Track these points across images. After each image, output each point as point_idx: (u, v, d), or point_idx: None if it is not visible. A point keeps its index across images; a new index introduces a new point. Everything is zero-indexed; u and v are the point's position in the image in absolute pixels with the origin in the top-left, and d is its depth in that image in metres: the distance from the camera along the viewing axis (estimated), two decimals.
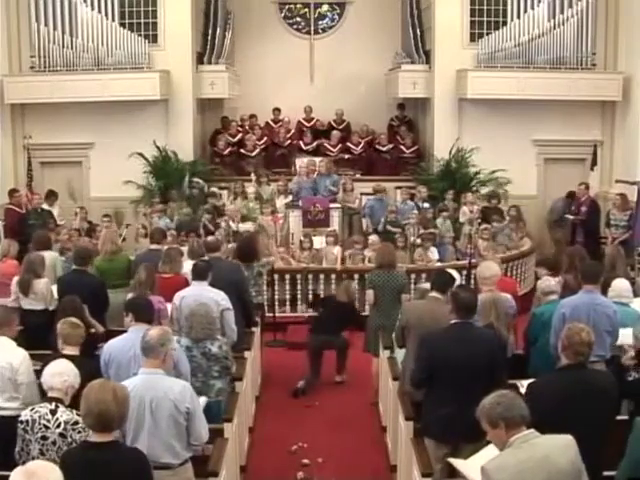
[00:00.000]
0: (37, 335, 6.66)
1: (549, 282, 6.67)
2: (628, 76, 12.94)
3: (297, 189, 12.87)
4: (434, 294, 6.07)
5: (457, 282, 6.81)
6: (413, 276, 10.26)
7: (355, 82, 15.57)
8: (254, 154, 14.26)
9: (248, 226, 11.60)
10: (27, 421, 4.37)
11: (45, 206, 11.94)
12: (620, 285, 6.55)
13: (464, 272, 9.69)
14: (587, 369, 4.61)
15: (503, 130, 13.33)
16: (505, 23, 13.25)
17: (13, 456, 4.40)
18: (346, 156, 14.49)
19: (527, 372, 5.94)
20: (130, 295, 6.79)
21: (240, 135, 14.63)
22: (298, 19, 16.32)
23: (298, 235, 11.94)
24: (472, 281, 9.04)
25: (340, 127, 15.07)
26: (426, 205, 12.37)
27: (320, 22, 16.31)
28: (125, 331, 5.60)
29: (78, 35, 13.02)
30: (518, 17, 13.19)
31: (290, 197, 12.75)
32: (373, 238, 10.98)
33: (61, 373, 4.50)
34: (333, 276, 10.72)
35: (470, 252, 10.36)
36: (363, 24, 15.75)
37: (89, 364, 5.13)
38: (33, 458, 4.24)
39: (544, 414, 3.96)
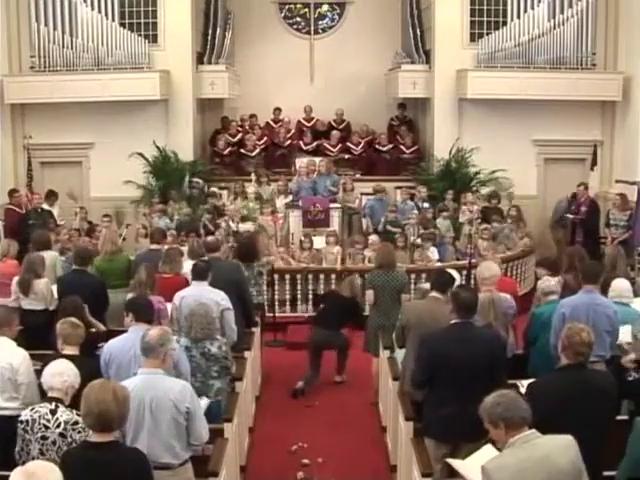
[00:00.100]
0: (37, 335, 6.66)
1: (549, 282, 6.67)
2: (628, 76, 12.94)
3: (297, 189, 12.87)
4: (434, 294, 6.07)
5: (457, 282, 6.82)
6: (413, 276, 10.25)
7: (355, 82, 15.57)
8: (254, 154, 14.26)
9: (248, 226, 11.61)
10: (27, 421, 4.37)
11: (45, 206, 11.94)
12: (620, 285, 6.54)
13: (464, 272, 9.69)
14: (587, 369, 4.61)
15: (503, 130, 13.33)
16: (505, 23, 13.25)
17: (13, 456, 4.40)
18: (346, 156, 14.49)
19: (527, 372, 5.94)
20: (130, 295, 6.79)
21: (240, 135, 14.63)
22: (298, 19, 16.32)
23: (298, 235, 11.94)
24: (472, 281, 9.04)
25: (340, 127, 15.06)
26: (426, 205, 12.37)
27: (320, 22, 16.31)
28: (125, 331, 5.60)
29: (78, 35, 13.02)
30: (518, 17, 13.18)
31: (290, 197, 12.75)
32: (373, 238, 10.98)
33: (61, 373, 4.50)
34: (333, 276, 10.73)
35: (470, 252, 10.36)
36: (363, 24, 15.75)
37: (89, 364, 5.12)
38: (33, 458, 4.24)
39: (544, 414, 3.96)
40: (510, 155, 13.20)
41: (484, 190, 13.01)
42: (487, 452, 4.23)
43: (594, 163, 13.42)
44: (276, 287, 10.47)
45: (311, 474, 6.54)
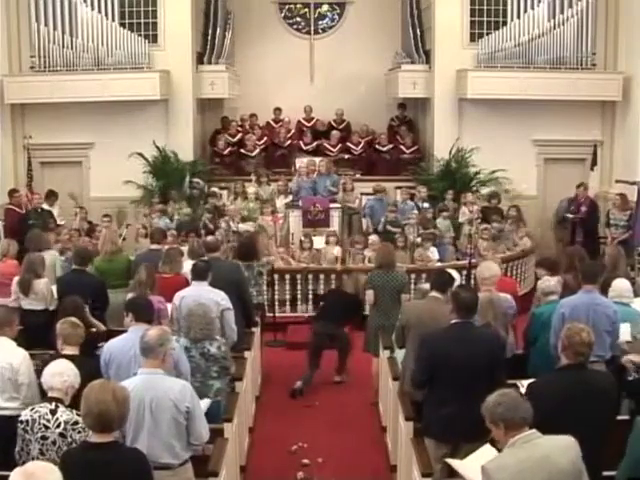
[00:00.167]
0: (37, 335, 6.66)
1: (549, 282, 6.67)
2: (628, 76, 12.94)
3: (297, 189, 12.86)
4: (434, 294, 6.07)
5: (457, 282, 6.82)
6: (413, 276, 10.26)
7: (355, 82, 15.56)
8: (254, 154, 14.26)
9: (248, 226, 11.61)
10: (27, 421, 4.37)
11: (45, 206, 11.94)
12: (621, 285, 6.54)
13: (464, 272, 9.69)
14: (587, 369, 4.61)
15: (503, 130, 13.33)
16: (505, 23, 13.25)
17: (13, 456, 4.40)
18: (346, 156, 14.49)
19: (527, 372, 5.94)
20: (130, 295, 6.79)
21: (240, 135, 14.63)
22: (298, 19, 16.32)
23: (298, 235, 11.94)
24: (472, 281, 9.04)
25: (340, 127, 15.06)
26: (426, 205, 12.36)
27: (320, 22, 16.31)
28: (125, 331, 5.60)
29: (78, 35, 13.02)
30: (518, 17, 13.18)
31: (290, 197, 12.75)
32: (373, 238, 10.98)
33: (61, 373, 4.50)
34: (333, 276, 10.73)
35: (470, 252, 10.36)
36: (363, 24, 15.74)
37: (89, 364, 5.12)
38: (33, 458, 4.25)
39: (544, 414, 3.96)
40: (510, 155, 13.20)
41: (484, 190, 13.01)
42: (486, 452, 4.23)
43: (594, 163, 13.42)
44: (276, 287, 10.47)
45: (311, 474, 6.54)
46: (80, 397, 3.90)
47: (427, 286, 6.71)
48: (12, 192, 12.05)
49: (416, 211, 12.16)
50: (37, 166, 13.35)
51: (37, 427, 4.33)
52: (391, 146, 14.58)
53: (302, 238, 11.50)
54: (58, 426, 4.31)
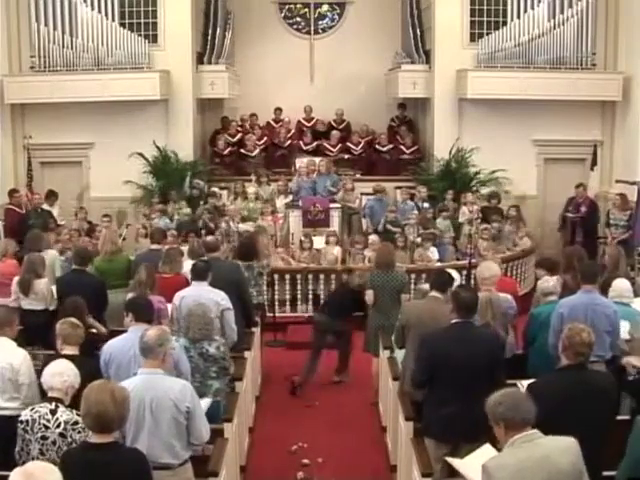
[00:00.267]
0: (37, 335, 6.66)
1: (548, 283, 6.67)
2: (628, 76, 12.94)
3: (297, 189, 12.86)
4: (434, 294, 6.07)
5: (457, 282, 6.82)
6: (413, 276, 10.24)
7: (355, 82, 15.56)
8: (254, 154, 14.26)
9: (248, 226, 11.61)
10: (27, 421, 4.37)
11: (45, 206, 11.95)
12: (621, 285, 6.54)
13: (464, 272, 9.69)
14: (587, 369, 4.61)
15: (503, 130, 13.33)
16: (505, 23, 13.25)
17: (13, 456, 4.40)
18: (346, 156, 14.49)
19: (527, 372, 5.94)
20: (130, 295, 6.79)
21: (240, 135, 14.63)
22: (298, 19, 16.32)
23: (298, 235, 11.93)
24: (472, 281, 9.04)
25: (340, 127, 15.06)
26: (426, 205, 12.37)
27: (320, 22, 16.31)
28: (125, 331, 5.60)
29: (78, 35, 13.02)
30: (518, 17, 13.18)
31: (290, 197, 12.75)
32: (373, 238, 10.98)
33: (61, 373, 4.50)
34: (333, 276, 10.73)
35: (470, 252, 10.36)
36: (363, 24, 15.75)
37: (89, 364, 5.12)
38: (33, 458, 4.25)
39: (544, 414, 3.95)
40: (510, 155, 13.20)
41: (484, 190, 13.01)
42: (486, 451, 4.23)
43: (594, 163, 13.42)
44: (276, 287, 10.48)
45: (311, 474, 6.54)
46: (80, 397, 3.89)
47: (427, 286, 6.71)
48: (12, 192, 12.05)
49: (416, 211, 12.16)
50: (37, 166, 13.35)
51: (37, 427, 4.33)
52: (391, 146, 14.58)
53: (302, 238, 11.49)
54: (58, 426, 4.31)
